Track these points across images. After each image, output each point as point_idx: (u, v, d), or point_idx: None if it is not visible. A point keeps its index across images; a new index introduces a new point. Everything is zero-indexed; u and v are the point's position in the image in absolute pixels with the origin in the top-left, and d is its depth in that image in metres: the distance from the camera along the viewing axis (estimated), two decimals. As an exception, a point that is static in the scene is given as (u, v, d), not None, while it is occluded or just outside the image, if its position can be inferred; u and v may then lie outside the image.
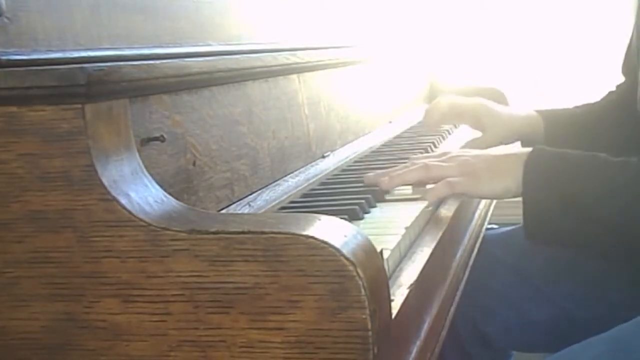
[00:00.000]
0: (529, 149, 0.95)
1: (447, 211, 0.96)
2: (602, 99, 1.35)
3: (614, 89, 1.36)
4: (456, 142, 1.42)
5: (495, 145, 1.26)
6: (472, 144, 1.26)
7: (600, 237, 0.89)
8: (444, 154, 1.02)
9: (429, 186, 0.96)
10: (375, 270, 0.58)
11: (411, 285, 0.70)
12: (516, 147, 1.30)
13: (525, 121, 1.28)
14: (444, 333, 0.80)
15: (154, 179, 0.65)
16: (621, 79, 1.34)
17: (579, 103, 1.36)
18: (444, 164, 0.97)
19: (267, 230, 0.57)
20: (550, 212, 0.89)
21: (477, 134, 1.32)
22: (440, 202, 0.99)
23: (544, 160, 0.92)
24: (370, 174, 1.03)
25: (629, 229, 0.87)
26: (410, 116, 1.72)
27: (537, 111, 1.30)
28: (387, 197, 0.99)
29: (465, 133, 1.50)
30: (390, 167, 1.04)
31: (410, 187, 0.99)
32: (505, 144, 1.29)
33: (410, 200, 0.96)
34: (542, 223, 0.90)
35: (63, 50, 0.69)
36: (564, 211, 0.88)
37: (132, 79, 0.66)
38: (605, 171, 0.89)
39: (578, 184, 0.88)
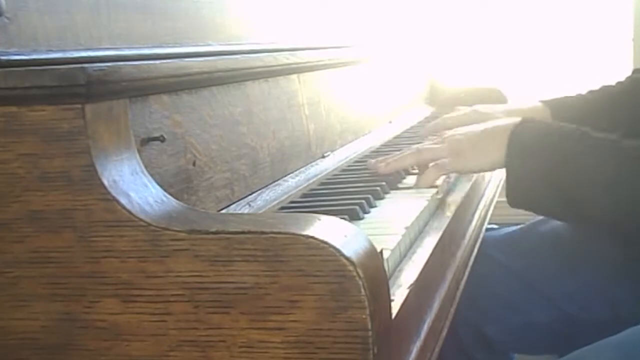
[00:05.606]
0: (517, 120, 0.99)
1: (447, 211, 0.96)
2: (626, 78, 1.32)
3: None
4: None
5: None
6: None
7: (574, 211, 0.95)
8: (439, 135, 1.10)
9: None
10: (375, 270, 0.58)
11: (411, 285, 0.70)
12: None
13: (528, 114, 1.28)
14: (444, 333, 0.80)
15: (154, 179, 0.65)
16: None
17: (594, 88, 1.34)
18: (435, 145, 1.04)
19: (267, 230, 0.57)
20: (530, 184, 0.95)
21: None
22: (439, 202, 0.99)
23: (527, 135, 0.97)
24: (372, 160, 1.11)
25: (602, 207, 0.92)
26: (410, 116, 1.72)
27: (543, 101, 1.30)
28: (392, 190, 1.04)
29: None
30: None
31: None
32: None
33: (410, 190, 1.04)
34: (522, 193, 0.96)
35: (63, 50, 0.69)
36: (543, 184, 0.94)
37: (132, 79, 0.66)
38: (582, 149, 0.94)
39: (555, 160, 0.94)
